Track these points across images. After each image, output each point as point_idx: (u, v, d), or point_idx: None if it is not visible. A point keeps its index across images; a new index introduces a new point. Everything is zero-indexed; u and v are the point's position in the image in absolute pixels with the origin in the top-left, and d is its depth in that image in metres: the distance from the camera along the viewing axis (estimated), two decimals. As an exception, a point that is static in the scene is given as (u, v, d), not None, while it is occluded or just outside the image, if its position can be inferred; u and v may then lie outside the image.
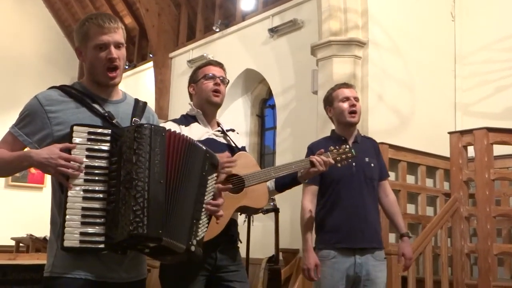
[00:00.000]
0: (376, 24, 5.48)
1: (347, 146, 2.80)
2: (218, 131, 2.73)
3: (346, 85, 3.33)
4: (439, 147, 5.34)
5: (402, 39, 5.67)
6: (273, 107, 7.91)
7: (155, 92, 9.39)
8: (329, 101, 3.28)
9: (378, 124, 5.26)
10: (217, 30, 8.42)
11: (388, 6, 5.62)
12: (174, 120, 2.70)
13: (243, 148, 2.79)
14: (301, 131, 6.74)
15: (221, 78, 2.71)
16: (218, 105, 2.71)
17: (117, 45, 1.95)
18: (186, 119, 2.70)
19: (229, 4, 8.80)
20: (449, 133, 4.93)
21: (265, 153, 8.14)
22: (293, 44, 7.14)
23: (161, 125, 2.57)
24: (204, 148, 1.98)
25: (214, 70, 2.72)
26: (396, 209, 3.26)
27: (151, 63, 9.75)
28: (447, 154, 4.92)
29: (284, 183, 2.77)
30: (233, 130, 2.83)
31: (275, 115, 7.63)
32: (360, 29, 5.41)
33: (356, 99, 3.22)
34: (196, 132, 2.61)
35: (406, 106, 5.63)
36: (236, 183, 2.56)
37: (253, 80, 8.12)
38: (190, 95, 2.78)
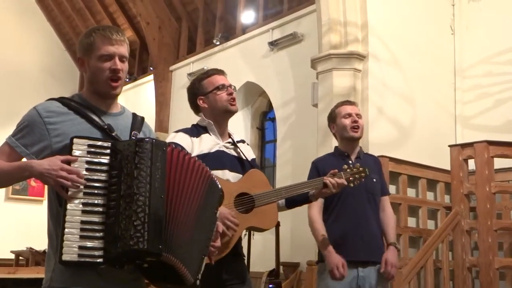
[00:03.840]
0: (376, 37, 5.49)
1: (361, 166, 2.81)
2: (229, 142, 2.70)
3: (348, 102, 3.38)
4: (439, 160, 5.33)
5: (402, 52, 5.69)
6: (273, 120, 7.92)
7: (156, 105, 9.41)
8: (332, 118, 3.33)
9: (378, 137, 5.26)
10: (218, 43, 8.45)
11: (388, 19, 5.65)
12: (185, 131, 2.65)
13: (253, 161, 2.77)
14: (301, 144, 6.74)
15: (231, 86, 2.71)
16: (235, 113, 2.72)
17: (122, 58, 1.96)
18: (197, 130, 2.67)
19: (229, 17, 8.84)
20: (450, 146, 4.91)
21: (265, 166, 8.13)
22: (293, 57, 7.17)
23: (172, 135, 2.61)
24: (220, 187, 2.01)
25: (222, 80, 2.70)
26: (390, 221, 3.28)
27: (151, 76, 9.78)
28: (448, 167, 4.91)
29: (295, 200, 2.76)
30: (243, 142, 2.82)
31: (275, 128, 7.64)
32: (360, 42, 5.42)
33: (359, 115, 3.27)
34: (207, 143, 2.59)
35: (406, 119, 5.63)
36: (246, 203, 2.55)
37: (253, 93, 8.14)
38: (196, 108, 2.74)
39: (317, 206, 3.17)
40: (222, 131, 2.69)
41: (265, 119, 8.40)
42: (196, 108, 2.75)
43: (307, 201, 2.78)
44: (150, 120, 8.76)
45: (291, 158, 6.96)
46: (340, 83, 5.28)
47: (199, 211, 1.88)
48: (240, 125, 8.12)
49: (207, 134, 2.64)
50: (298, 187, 2.66)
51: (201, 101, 2.69)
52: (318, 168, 2.95)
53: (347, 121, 3.23)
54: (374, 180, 3.22)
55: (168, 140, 2.45)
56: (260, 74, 7.69)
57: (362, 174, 2.79)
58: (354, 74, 5.31)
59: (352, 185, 2.76)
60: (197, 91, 2.71)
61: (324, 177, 2.68)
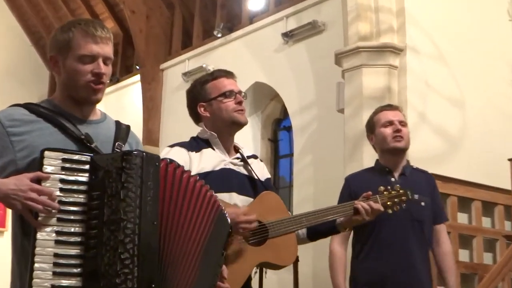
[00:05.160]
0: (416, 26, 5.49)
1: (401, 187, 2.81)
2: (237, 158, 2.71)
3: (389, 107, 3.39)
4: (497, 177, 5.30)
5: (447, 44, 5.68)
6: (289, 129, 7.90)
7: (143, 112, 9.43)
8: (370, 127, 3.34)
9: (419, 149, 5.22)
10: (219, 35, 8.47)
11: (429, 4, 5.65)
12: (182, 144, 2.66)
13: (268, 181, 2.77)
14: (324, 159, 6.72)
15: (241, 93, 2.72)
16: (243, 126, 2.73)
17: (106, 60, 1.99)
18: (197, 144, 2.68)
19: (233, 3, 8.86)
20: (510, 160, 4.88)
21: (279, 186, 8.10)
22: (313, 52, 7.16)
23: (166, 150, 2.63)
24: (229, 222, 2.03)
25: (231, 84, 2.71)
26: (450, 263, 3.27)
27: (137, 77, 9.80)
28: (508, 186, 4.87)
29: (318, 231, 2.76)
30: (255, 157, 2.82)
31: (291, 139, 7.62)
32: (395, 32, 5.43)
33: (403, 123, 3.27)
34: (209, 160, 2.59)
35: (454, 126, 5.60)
36: (258, 233, 2.54)
37: (263, 96, 8.14)
38: (197, 116, 2.75)
39: (340, 237, 3.16)
40: (228, 145, 2.70)
41: (278, 129, 8.38)
42: (196, 117, 2.76)
43: (334, 231, 2.78)
44: (137, 131, 8.68)
45: (312, 177, 6.92)
46: (371, 83, 5.26)
47: (202, 246, 1.89)
48: (247, 136, 8.11)
49: (209, 149, 2.65)
50: (322, 213, 2.66)
51: (202, 109, 2.70)
52: (351, 187, 2.94)
53: (388, 130, 3.22)
54: (423, 204, 3.18)
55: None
56: (272, 73, 7.68)
57: (403, 197, 2.79)
58: (388, 71, 5.30)
59: (390, 211, 2.76)
60: (198, 95, 2.72)
61: (355, 202, 2.68)
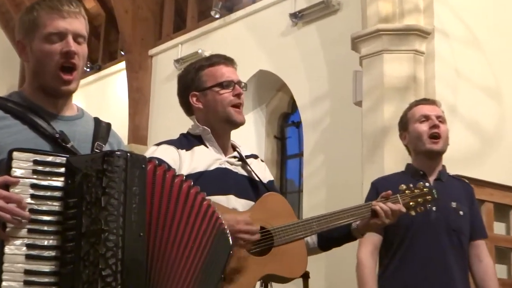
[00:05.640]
0: (445, 6, 5.49)
1: (426, 185, 2.82)
2: (234, 157, 2.71)
3: (425, 101, 3.40)
4: (540, 181, 5.29)
5: (481, 26, 5.68)
6: (298, 125, 7.93)
7: (129, 105, 9.45)
8: (403, 124, 3.36)
9: (450, 147, 5.21)
10: (217, 16, 8.48)
11: (461, -20, 5.65)
12: (170, 142, 2.65)
13: (271, 184, 2.77)
14: (339, 160, 6.73)
15: (241, 83, 2.72)
16: (240, 125, 2.71)
17: (77, 37, 1.98)
18: (187, 141, 2.67)
19: (233, -21, 8.88)
20: (555, 160, 4.88)
21: (287, 191, 8.12)
22: (326, 35, 7.16)
23: (151, 149, 2.61)
24: (231, 242, 2.03)
25: (230, 73, 2.70)
26: (492, 282, 3.25)
27: (122, 64, 9.85)
28: (553, 191, 4.87)
29: (331, 237, 2.75)
30: (255, 157, 2.82)
31: (301, 137, 7.63)
32: (421, 13, 5.44)
33: (441, 119, 3.27)
34: (202, 158, 2.59)
35: (490, 122, 5.61)
36: (262, 240, 2.54)
37: (268, 87, 8.16)
38: (188, 107, 2.75)
39: (370, 245, 3.17)
40: (224, 142, 2.71)
41: (286, 124, 8.41)
42: (187, 107, 2.76)
43: (349, 238, 2.76)
44: (121, 127, 8.79)
45: (324, 180, 6.94)
46: (394, 71, 5.27)
47: (197, 267, 1.89)
48: (249, 133, 8.11)
49: (202, 146, 2.65)
50: (335, 217, 2.65)
51: (194, 99, 2.69)
52: (378, 192, 2.95)
53: (424, 127, 3.22)
54: (461, 213, 3.19)
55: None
56: (278, 60, 7.68)
57: (428, 197, 2.79)
58: (414, 58, 5.31)
59: (413, 213, 2.76)
60: (191, 83, 2.71)
61: (373, 202, 2.67)
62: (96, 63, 10.51)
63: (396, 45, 5.32)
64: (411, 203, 2.75)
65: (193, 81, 2.71)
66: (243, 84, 2.73)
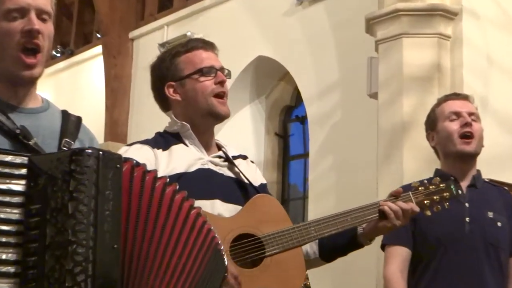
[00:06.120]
0: (475, -18, 5.50)
1: (441, 181, 2.81)
2: (219, 157, 2.72)
3: (457, 96, 3.42)
4: None
5: (518, 6, 5.69)
6: (303, 120, 7.94)
7: (106, 95, 9.47)
8: (430, 123, 3.37)
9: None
10: (210, -7, 8.50)
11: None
12: (144, 141, 2.67)
13: (263, 188, 2.78)
14: (350, 161, 6.74)
15: (224, 70, 2.72)
16: (224, 119, 2.73)
17: (41, 14, 1.98)
18: (164, 139, 2.68)
19: (228, -50, 8.89)
20: None
21: (289, 197, 8.15)
22: (336, 16, 7.17)
23: (123, 150, 2.59)
24: (226, 264, 2.04)
25: (210, 59, 2.71)
26: None
27: (99, 49, 9.86)
28: None
29: (335, 245, 2.75)
30: (244, 158, 2.84)
31: (306, 134, 7.65)
32: (447, -10, 5.45)
33: (474, 116, 3.28)
34: (181, 158, 2.59)
35: (527, 117, 5.60)
36: (251, 250, 2.54)
37: (269, 76, 8.18)
38: (163, 101, 2.77)
39: (398, 260, 3.17)
40: (206, 140, 2.72)
41: (289, 119, 8.43)
42: (163, 102, 2.78)
43: (354, 245, 2.75)
44: (97, 122, 8.80)
45: (333, 185, 6.95)
46: (415, 58, 5.29)
47: (187, 284, 1.88)
48: (246, 130, 8.14)
49: (181, 144, 2.67)
50: (337, 219, 2.66)
51: (171, 90, 2.71)
52: None
53: (454, 126, 3.22)
54: (499, 224, 3.19)
55: None
56: (280, 45, 7.69)
57: (445, 194, 2.79)
58: (438, 43, 5.33)
59: (429, 213, 2.76)
60: (166, 72, 2.73)
61: (381, 201, 2.67)
62: (68, 47, 10.52)
63: (418, 28, 5.34)
64: (425, 202, 2.74)
65: (168, 70, 2.73)
66: (226, 71, 2.74)
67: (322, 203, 6.98)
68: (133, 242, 1.79)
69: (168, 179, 1.93)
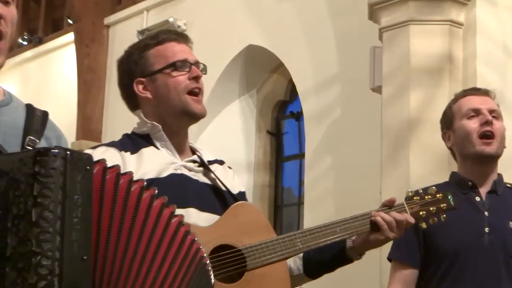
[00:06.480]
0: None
1: (438, 191, 2.83)
2: (193, 161, 2.72)
3: (476, 91, 3.41)
4: None
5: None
6: (298, 117, 7.96)
7: (78, 89, 9.49)
8: (446, 121, 3.37)
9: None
10: (194, -25, 8.51)
11: None
12: (110, 144, 2.68)
13: (242, 196, 2.80)
14: (351, 162, 6.76)
15: (199, 64, 2.73)
16: (200, 118, 2.74)
17: None
18: (132, 142, 2.69)
19: None
20: None
21: (283, 202, 8.17)
22: (335, 1, 7.19)
23: (87, 152, 2.58)
24: (212, 281, 2.06)
25: (184, 52, 2.73)
26: None
27: (70, 36, 9.88)
28: None
29: (321, 260, 2.76)
30: (221, 163, 2.85)
31: (302, 132, 7.67)
32: (459, -28, 5.46)
33: (495, 114, 3.27)
34: (151, 162, 2.60)
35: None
36: (231, 263, 2.54)
37: (261, 67, 8.21)
38: (132, 99, 2.78)
39: (401, 284, 3.20)
40: (179, 142, 2.73)
41: (283, 116, 8.46)
42: (130, 100, 2.79)
43: (343, 259, 2.77)
44: (68, 117, 8.81)
45: (331, 188, 6.98)
46: (423, 48, 5.31)
47: None
48: (235, 127, 8.15)
49: (151, 147, 2.68)
50: (324, 231, 2.68)
51: (140, 87, 2.72)
52: None
53: (473, 124, 3.22)
54: None
55: None
56: (273, 33, 7.72)
57: (442, 205, 2.80)
58: (449, 31, 5.35)
59: (424, 225, 2.79)
60: (135, 67, 2.74)
61: (373, 212, 2.69)
62: (36, 34, 10.55)
63: (427, 14, 5.36)
64: (421, 213, 2.76)
65: (137, 64, 2.73)
66: (201, 65, 2.75)
67: (319, 209, 7.00)
68: (105, 253, 1.79)
69: (145, 183, 1.93)
